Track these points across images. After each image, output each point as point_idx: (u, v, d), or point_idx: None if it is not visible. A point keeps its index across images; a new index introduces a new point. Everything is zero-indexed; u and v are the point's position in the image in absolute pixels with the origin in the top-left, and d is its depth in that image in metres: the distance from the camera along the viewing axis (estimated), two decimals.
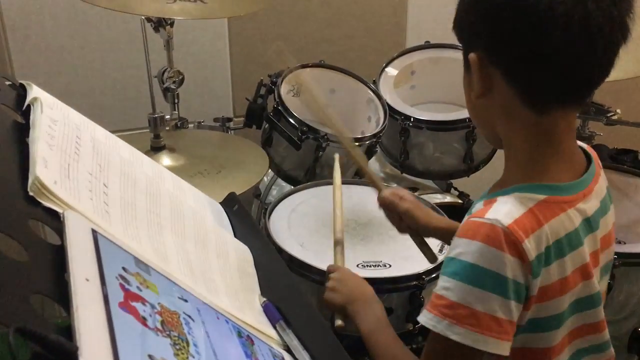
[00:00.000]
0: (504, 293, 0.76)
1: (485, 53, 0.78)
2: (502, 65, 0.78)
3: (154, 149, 1.47)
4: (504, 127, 0.83)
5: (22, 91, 0.73)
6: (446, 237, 1.02)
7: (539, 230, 0.77)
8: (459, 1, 0.82)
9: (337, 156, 1.27)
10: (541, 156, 0.81)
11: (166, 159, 1.45)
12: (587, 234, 0.83)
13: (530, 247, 0.75)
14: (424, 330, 1.26)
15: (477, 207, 0.83)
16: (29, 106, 0.68)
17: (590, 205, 0.83)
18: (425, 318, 0.79)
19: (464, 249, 0.77)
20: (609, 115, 1.71)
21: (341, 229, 1.14)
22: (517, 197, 0.79)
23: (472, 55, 0.79)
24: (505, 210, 0.77)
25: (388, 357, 0.92)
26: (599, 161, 0.89)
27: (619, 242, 1.41)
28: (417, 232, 1.14)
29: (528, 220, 0.77)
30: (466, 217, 0.82)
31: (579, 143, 0.89)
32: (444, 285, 0.78)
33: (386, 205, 1.14)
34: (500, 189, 0.83)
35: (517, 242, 0.75)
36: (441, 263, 1.13)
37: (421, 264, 1.23)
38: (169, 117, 1.56)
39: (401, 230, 1.16)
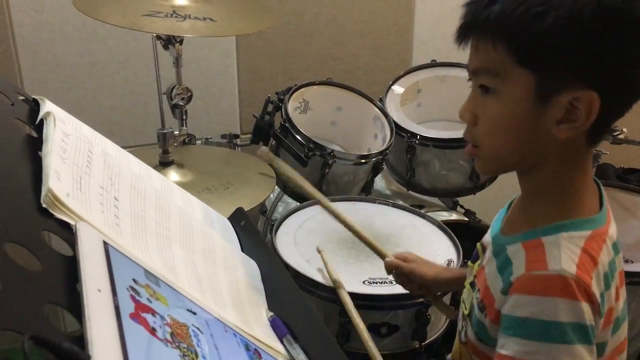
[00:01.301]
0: (588, 341, 0.73)
1: (598, 91, 0.70)
2: (614, 107, 0.73)
3: (163, 164, 1.48)
4: (556, 162, 0.77)
5: (35, 106, 0.74)
6: (459, 286, 0.99)
7: (596, 268, 0.75)
8: (538, 22, 0.69)
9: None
10: (576, 189, 0.79)
11: (174, 175, 1.46)
12: (616, 256, 0.81)
13: (596, 287, 0.74)
14: (430, 349, 1.26)
15: (517, 252, 0.79)
16: (42, 120, 0.69)
17: (614, 229, 0.82)
18: None
19: (537, 307, 0.73)
20: (615, 134, 1.71)
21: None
22: (567, 238, 0.75)
23: (591, 94, 0.70)
24: (564, 257, 0.74)
25: None
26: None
27: (626, 261, 1.40)
28: (429, 289, 1.13)
29: (586, 261, 0.74)
30: (524, 272, 0.76)
31: None
32: (526, 350, 0.73)
33: (392, 269, 1.13)
34: (533, 226, 0.79)
35: (587, 288, 0.72)
36: None
37: None
38: (177, 132, 1.57)
39: (413, 292, 1.14)
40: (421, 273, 1.10)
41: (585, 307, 0.72)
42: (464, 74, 2.02)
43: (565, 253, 0.74)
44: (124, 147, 0.81)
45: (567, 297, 0.71)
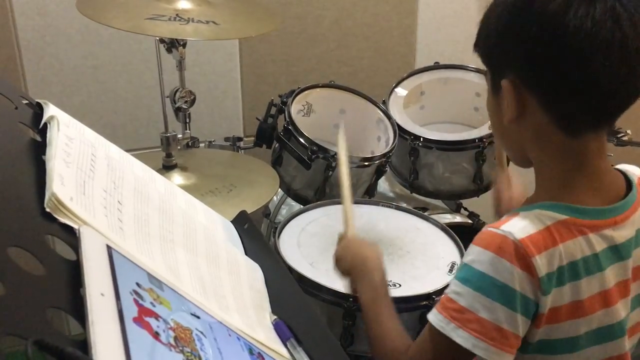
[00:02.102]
0: (511, 305, 0.77)
1: (520, 79, 0.78)
2: (538, 91, 0.78)
3: (166, 168, 1.48)
4: (536, 150, 0.83)
5: (39, 110, 0.74)
6: None
7: (553, 249, 0.78)
8: (487, 25, 0.83)
9: (341, 127, 1.27)
10: (570, 178, 0.82)
11: (178, 178, 1.46)
12: (613, 261, 0.82)
13: (541, 263, 0.77)
14: None
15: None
16: (45, 124, 0.69)
17: (622, 234, 0.82)
18: (434, 318, 0.82)
19: (476, 257, 0.79)
20: (619, 136, 1.71)
21: (349, 195, 1.15)
22: (537, 214, 0.80)
23: (505, 82, 0.79)
24: (521, 225, 0.78)
25: (379, 332, 0.93)
26: None
27: None
28: None
29: (542, 237, 0.78)
30: (484, 227, 0.83)
31: (627, 167, 0.89)
32: (455, 290, 0.80)
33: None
34: (527, 205, 0.85)
35: (526, 257, 0.76)
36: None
37: (431, 284, 1.23)
38: (180, 136, 1.57)
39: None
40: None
41: (517, 272, 0.76)
42: (467, 76, 2.02)
43: (525, 223, 0.79)
44: (127, 151, 0.81)
45: (500, 255, 0.77)
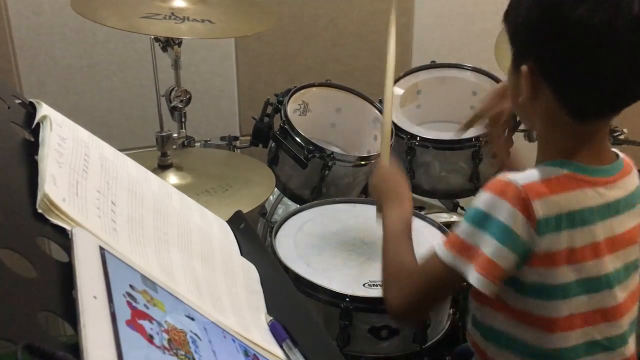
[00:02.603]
0: (497, 237, 0.86)
1: (538, 68, 0.87)
2: (552, 80, 0.87)
3: (161, 167, 1.47)
4: (543, 128, 0.94)
5: (31, 109, 0.74)
6: None
7: (553, 196, 0.87)
8: (518, 8, 0.89)
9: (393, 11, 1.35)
10: (572, 150, 0.91)
11: (173, 177, 1.45)
12: (604, 217, 0.91)
13: (539, 207, 0.85)
14: (431, 351, 1.25)
15: None
16: (38, 124, 0.69)
17: (614, 193, 0.91)
18: (439, 248, 0.93)
19: (483, 199, 0.89)
20: (615, 134, 1.71)
21: (389, 118, 1.27)
22: (542, 169, 0.90)
23: (524, 67, 0.87)
24: (525, 175, 0.88)
25: (397, 263, 1.03)
26: (633, 165, 0.98)
27: None
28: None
29: (545, 186, 0.87)
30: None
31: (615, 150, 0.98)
32: (462, 229, 0.91)
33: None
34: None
35: (526, 200, 0.85)
36: None
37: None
38: (176, 135, 1.57)
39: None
40: None
41: (516, 213, 0.85)
42: (463, 75, 2.02)
43: (529, 174, 0.89)
44: (122, 150, 0.80)
45: (502, 197, 0.87)
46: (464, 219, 0.92)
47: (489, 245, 0.87)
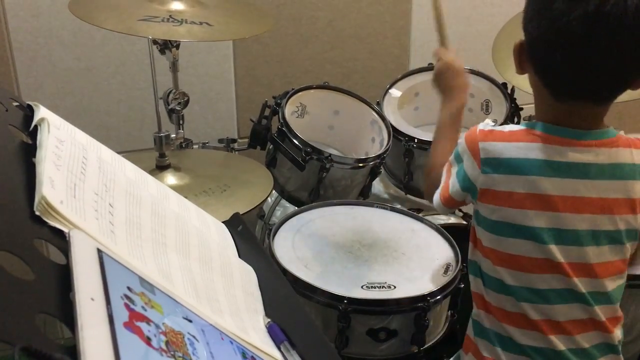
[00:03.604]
0: (457, 173, 1.04)
1: (525, 45, 0.97)
2: (530, 58, 0.97)
3: (159, 168, 1.47)
4: (535, 98, 1.02)
5: (29, 112, 0.74)
6: None
7: (499, 142, 0.99)
8: None
9: None
10: (552, 116, 0.99)
11: (171, 178, 1.45)
12: (558, 174, 0.97)
13: (483, 148, 0.99)
14: (429, 353, 1.26)
15: None
16: (36, 127, 0.69)
17: (581, 156, 0.97)
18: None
19: (462, 136, 1.05)
20: None
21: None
22: (514, 125, 1.06)
23: (515, 42, 0.99)
24: (490, 124, 1.03)
25: (439, 150, 1.19)
26: (634, 144, 1.01)
27: None
28: None
29: (496, 134, 1.00)
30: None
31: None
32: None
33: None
34: None
35: (476, 142, 1.00)
36: (444, 286, 1.17)
37: (426, 286, 1.23)
38: (174, 135, 1.57)
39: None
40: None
41: (467, 151, 1.02)
42: None
43: (492, 124, 1.03)
44: (120, 152, 0.80)
45: (465, 137, 1.03)
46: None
47: (452, 177, 1.06)
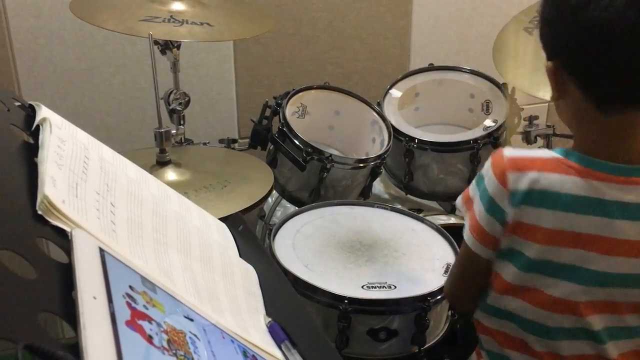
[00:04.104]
0: (488, 208, 0.94)
1: (560, 63, 0.89)
2: (574, 75, 0.89)
3: (160, 164, 1.47)
4: (574, 124, 0.95)
5: (31, 112, 0.74)
6: None
7: (532, 173, 0.91)
8: (540, 12, 0.93)
9: None
10: (594, 144, 0.91)
11: (172, 174, 1.45)
12: (594, 212, 0.89)
13: (512, 179, 0.91)
14: (429, 353, 1.26)
15: None
16: (38, 126, 0.69)
17: (619, 194, 0.89)
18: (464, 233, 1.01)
19: (487, 164, 0.96)
20: None
21: None
22: (545, 151, 0.95)
23: (548, 65, 0.91)
24: (517, 151, 0.94)
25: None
26: None
27: None
28: None
29: (528, 162, 0.92)
30: None
31: None
32: (473, 185, 1.00)
33: None
34: None
35: (503, 170, 0.92)
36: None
37: (427, 286, 1.23)
38: (174, 131, 1.56)
39: None
40: None
41: (494, 180, 0.93)
42: (461, 77, 2.02)
43: (522, 150, 0.94)
44: (121, 152, 0.81)
45: (491, 165, 0.94)
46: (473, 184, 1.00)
47: (479, 212, 0.96)
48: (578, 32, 0.85)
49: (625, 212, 0.89)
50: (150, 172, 0.88)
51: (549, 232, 0.91)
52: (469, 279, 1.06)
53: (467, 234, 0.99)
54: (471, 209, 0.98)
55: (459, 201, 1.03)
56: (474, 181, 0.99)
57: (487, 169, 0.95)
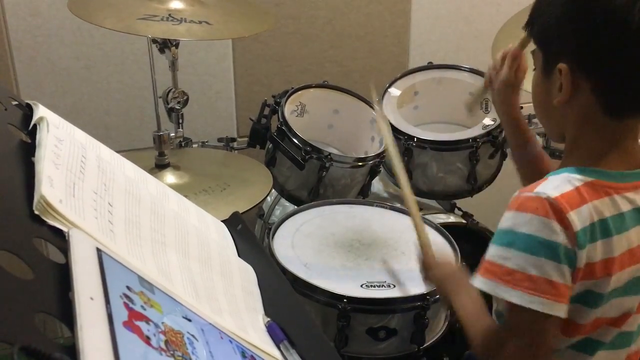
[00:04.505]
0: (556, 258, 0.82)
1: (577, 64, 0.85)
2: (593, 77, 0.84)
3: (159, 167, 1.47)
4: (575, 129, 0.90)
5: (28, 111, 0.74)
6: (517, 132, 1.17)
7: (585, 206, 0.83)
8: (546, 10, 0.88)
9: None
10: (601, 151, 0.88)
11: (170, 177, 1.45)
12: (636, 223, 0.87)
13: (575, 218, 0.82)
14: (428, 352, 1.26)
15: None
16: (35, 126, 0.69)
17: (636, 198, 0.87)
18: (481, 283, 0.86)
19: (516, 220, 0.84)
20: None
21: (414, 202, 1.18)
22: (566, 177, 0.86)
23: (562, 66, 0.85)
24: (553, 185, 0.85)
25: (480, 334, 0.93)
26: None
27: None
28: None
29: (573, 195, 0.84)
30: (517, 193, 0.87)
31: None
32: (501, 255, 0.85)
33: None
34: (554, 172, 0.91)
35: (562, 212, 0.82)
36: None
37: (426, 285, 1.23)
38: (173, 134, 1.56)
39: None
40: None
41: (556, 225, 0.81)
42: (460, 76, 2.02)
43: (556, 184, 0.85)
44: (120, 151, 0.80)
45: (539, 214, 0.82)
46: (505, 246, 0.85)
47: (545, 267, 0.82)
48: (615, 35, 0.81)
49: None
50: None
51: (616, 260, 0.86)
52: (541, 344, 0.87)
53: (530, 301, 0.82)
54: (524, 277, 0.82)
55: (484, 285, 0.86)
56: (503, 251, 0.85)
57: (530, 222, 0.82)
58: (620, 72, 0.83)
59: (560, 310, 0.83)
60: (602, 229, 0.84)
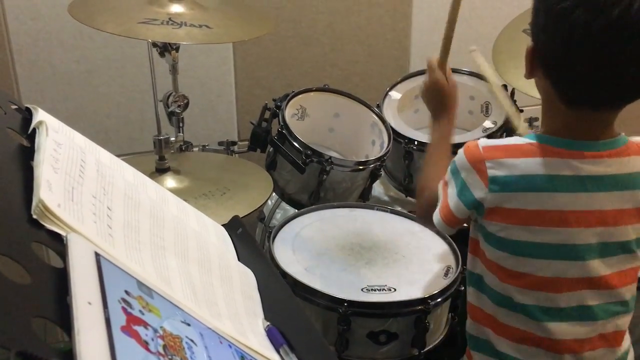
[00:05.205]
0: (459, 191, 0.99)
1: (535, 49, 0.94)
2: (542, 64, 0.93)
3: (159, 171, 1.47)
4: (544, 106, 1.00)
5: (27, 115, 0.74)
6: None
7: (507, 159, 0.95)
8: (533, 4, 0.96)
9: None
10: (562, 125, 0.96)
11: (171, 181, 1.45)
12: (573, 189, 0.94)
13: (491, 166, 0.95)
14: (429, 356, 1.25)
15: None
16: (34, 130, 0.69)
17: (593, 168, 0.94)
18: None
19: (457, 154, 1.01)
20: None
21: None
22: (519, 137, 1.00)
23: (528, 45, 0.95)
24: (492, 140, 0.99)
25: (430, 172, 1.17)
26: None
27: None
28: None
29: (503, 150, 0.96)
30: None
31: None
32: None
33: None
34: None
35: (481, 159, 0.96)
36: (445, 288, 1.16)
37: (426, 289, 1.22)
38: (174, 138, 1.57)
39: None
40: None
41: (472, 170, 0.97)
42: (460, 79, 2.02)
43: (497, 140, 0.99)
44: (120, 155, 0.80)
45: (465, 153, 0.98)
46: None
47: (450, 196, 1.01)
48: (558, 34, 0.87)
49: (598, 185, 0.95)
50: None
51: (530, 214, 0.95)
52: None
53: (436, 215, 1.05)
54: (444, 191, 1.04)
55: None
56: (449, 167, 1.02)
57: (459, 157, 0.99)
58: (560, 68, 0.91)
59: (444, 228, 1.05)
60: (521, 182, 0.94)
